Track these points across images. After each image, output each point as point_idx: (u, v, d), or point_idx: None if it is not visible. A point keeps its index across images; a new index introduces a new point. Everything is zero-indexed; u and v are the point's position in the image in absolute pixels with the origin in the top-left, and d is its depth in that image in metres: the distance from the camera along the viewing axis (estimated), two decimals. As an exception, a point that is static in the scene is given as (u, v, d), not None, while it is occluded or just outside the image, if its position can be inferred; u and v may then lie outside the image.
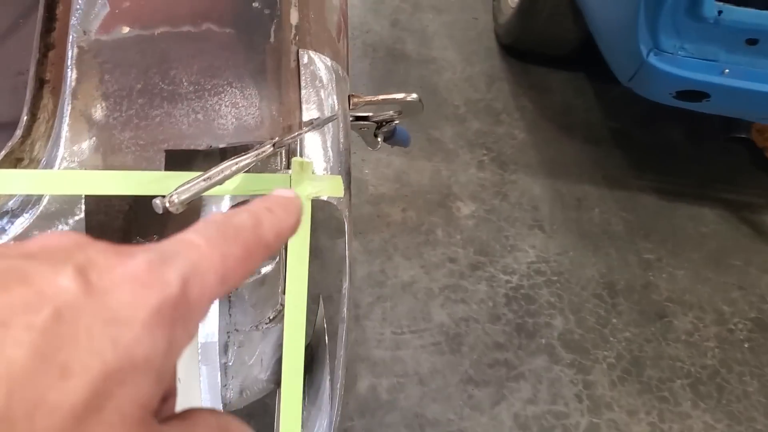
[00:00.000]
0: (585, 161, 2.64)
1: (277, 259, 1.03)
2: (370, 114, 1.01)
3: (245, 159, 0.72)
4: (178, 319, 0.26)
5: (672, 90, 1.88)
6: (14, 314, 0.23)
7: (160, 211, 0.69)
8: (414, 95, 0.90)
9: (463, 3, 3.22)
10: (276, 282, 1.06)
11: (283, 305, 1.08)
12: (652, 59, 1.78)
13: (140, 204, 0.80)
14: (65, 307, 0.24)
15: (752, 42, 1.78)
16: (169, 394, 0.29)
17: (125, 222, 0.92)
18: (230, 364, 1.06)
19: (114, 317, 0.24)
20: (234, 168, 0.71)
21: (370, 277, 2.10)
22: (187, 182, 0.68)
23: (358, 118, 1.01)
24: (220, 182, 0.70)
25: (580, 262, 2.28)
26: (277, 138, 0.74)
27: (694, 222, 2.50)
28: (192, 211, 0.86)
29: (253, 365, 1.07)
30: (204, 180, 0.69)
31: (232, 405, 1.14)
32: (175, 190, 0.67)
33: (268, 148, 0.73)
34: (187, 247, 0.28)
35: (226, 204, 0.81)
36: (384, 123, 1.00)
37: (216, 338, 0.83)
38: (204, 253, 0.28)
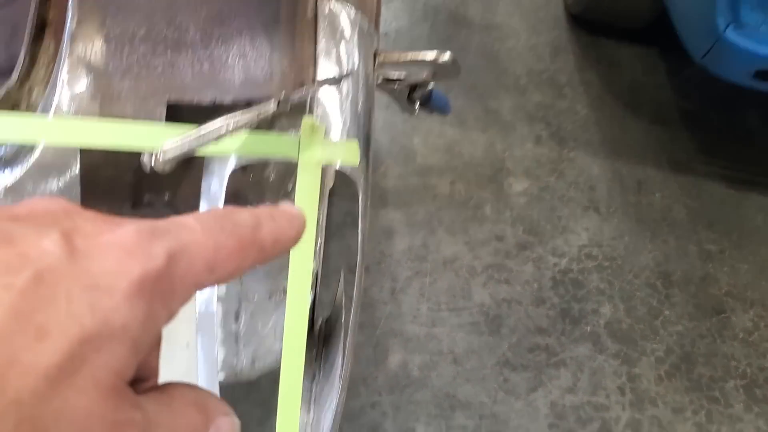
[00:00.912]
0: (650, 142, 2.49)
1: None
2: (402, 75, 0.93)
3: (244, 116, 0.65)
4: (159, 293, 0.26)
5: (751, 69, 1.73)
6: None
7: (147, 170, 0.63)
8: (447, 55, 0.81)
9: (532, -31, 3.06)
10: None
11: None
12: (731, 34, 1.63)
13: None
14: (46, 270, 0.24)
15: None
16: (150, 374, 0.30)
17: (135, 177, 0.87)
18: (242, 332, 1.01)
19: (95, 283, 0.24)
20: (231, 126, 0.64)
21: (411, 250, 2.03)
22: (177, 139, 0.62)
23: (388, 80, 0.93)
24: (214, 140, 0.63)
25: (636, 248, 2.16)
26: (282, 94, 0.67)
27: (763, 213, 2.33)
28: (197, 169, 0.80)
29: (267, 335, 1.02)
30: (196, 138, 0.63)
31: (243, 374, 1.09)
32: (163, 146, 0.61)
33: (271, 106, 0.66)
34: (181, 228, 0.28)
35: (231, 165, 0.75)
36: (417, 86, 0.92)
37: (213, 308, 0.78)
38: (197, 237, 0.28)
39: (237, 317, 0.99)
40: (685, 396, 1.86)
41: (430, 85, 0.93)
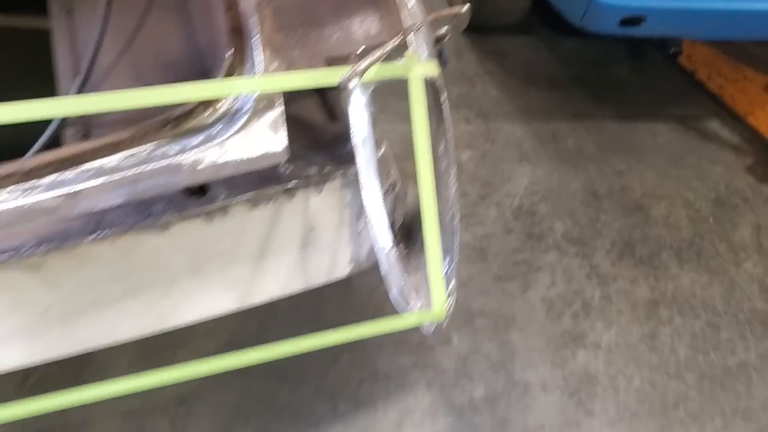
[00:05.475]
0: (553, 104, 3.11)
1: (384, 147, 1.45)
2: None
3: (386, 48, 1.14)
4: None
5: (617, 19, 2.35)
6: None
7: (346, 85, 1.11)
8: (466, 6, 1.32)
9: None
10: (387, 162, 1.47)
11: (394, 181, 1.49)
12: (598, -4, 2.26)
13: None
14: None
15: (670, -29, 2.28)
16: None
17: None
18: (362, 230, 1.47)
19: None
20: (381, 55, 1.14)
21: (401, 216, 2.52)
22: (364, 62, 1.10)
23: (420, 40, 1.43)
24: (381, 59, 1.12)
25: (566, 179, 2.74)
26: (401, 35, 1.17)
27: (651, 135, 2.99)
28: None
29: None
30: (370, 61, 1.11)
31: (362, 264, 1.54)
32: (354, 66, 1.09)
33: (398, 41, 1.16)
34: None
35: (371, 87, 1.21)
36: (441, 39, 1.41)
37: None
38: None
39: (359, 218, 1.44)
40: (635, 270, 2.43)
41: (447, 38, 1.43)
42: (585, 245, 2.50)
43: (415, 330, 2.23)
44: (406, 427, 1.96)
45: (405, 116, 2.10)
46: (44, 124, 1.40)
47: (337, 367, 2.07)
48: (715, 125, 3.09)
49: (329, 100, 1.51)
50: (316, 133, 1.40)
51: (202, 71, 1.55)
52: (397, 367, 2.10)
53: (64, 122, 1.37)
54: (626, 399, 2.08)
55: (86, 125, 1.38)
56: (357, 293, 2.27)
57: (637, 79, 3.30)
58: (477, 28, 3.44)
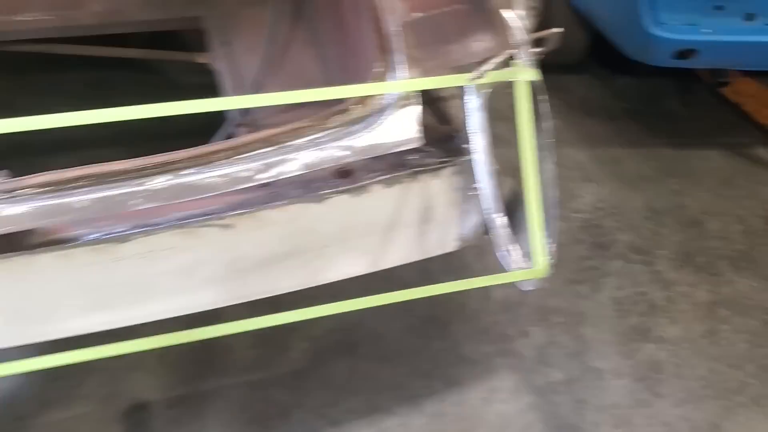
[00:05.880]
0: (610, 133, 3.41)
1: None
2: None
3: (497, 58, 1.47)
4: None
5: (672, 52, 2.66)
6: None
7: (472, 80, 1.43)
8: (559, 29, 1.64)
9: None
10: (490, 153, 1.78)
11: (496, 168, 1.79)
12: (656, 31, 2.57)
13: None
14: None
15: (719, 8, 2.59)
16: None
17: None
18: (467, 211, 1.78)
19: None
20: (494, 62, 1.46)
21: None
22: (483, 68, 1.42)
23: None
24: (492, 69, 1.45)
25: (627, 197, 3.02)
26: (509, 51, 1.49)
27: (703, 161, 3.26)
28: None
29: (479, 214, 1.77)
30: (488, 66, 1.44)
31: (466, 241, 1.84)
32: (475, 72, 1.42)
33: (506, 54, 1.48)
34: None
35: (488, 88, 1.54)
36: (538, 53, 1.72)
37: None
38: None
39: (467, 200, 1.75)
40: (695, 276, 2.68)
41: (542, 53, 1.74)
42: (648, 254, 2.75)
43: (496, 323, 2.51)
44: (494, 403, 2.22)
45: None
46: (215, 127, 1.75)
47: (428, 352, 2.35)
48: (762, 152, 3.35)
49: (439, 109, 1.83)
50: (432, 132, 1.71)
51: (335, 87, 1.89)
52: (482, 354, 2.36)
53: (237, 121, 1.72)
54: (691, 385, 2.31)
55: (253, 125, 1.73)
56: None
57: (686, 112, 3.59)
58: (539, 65, 3.77)
